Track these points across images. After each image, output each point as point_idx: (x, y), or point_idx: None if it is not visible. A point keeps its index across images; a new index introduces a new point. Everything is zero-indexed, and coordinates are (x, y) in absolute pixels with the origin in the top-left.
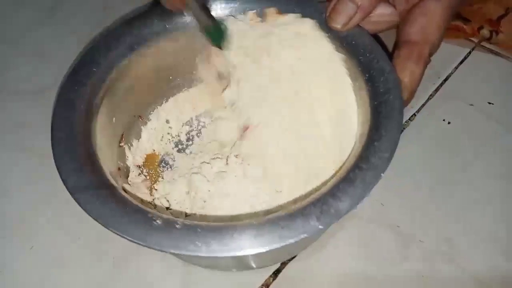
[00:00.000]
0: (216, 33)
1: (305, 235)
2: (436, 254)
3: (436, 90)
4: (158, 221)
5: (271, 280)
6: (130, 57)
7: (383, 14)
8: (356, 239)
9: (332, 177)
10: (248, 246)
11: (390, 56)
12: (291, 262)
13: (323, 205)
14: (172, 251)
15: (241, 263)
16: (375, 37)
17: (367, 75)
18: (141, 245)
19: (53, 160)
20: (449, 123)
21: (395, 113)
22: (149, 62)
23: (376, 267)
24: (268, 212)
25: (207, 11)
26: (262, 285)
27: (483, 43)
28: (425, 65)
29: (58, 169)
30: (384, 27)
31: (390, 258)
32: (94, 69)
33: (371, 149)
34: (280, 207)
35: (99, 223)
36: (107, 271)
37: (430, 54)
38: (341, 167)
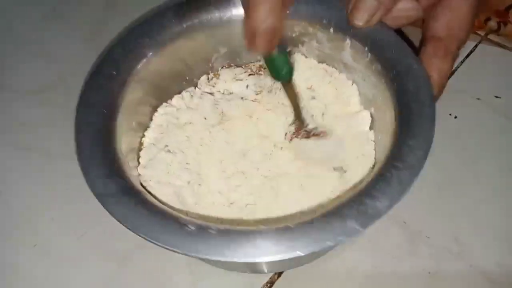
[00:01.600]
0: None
1: (344, 237)
2: (443, 251)
3: None
4: (191, 226)
5: (276, 278)
6: (148, 57)
7: (405, 9)
8: (364, 235)
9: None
10: (283, 250)
11: (417, 52)
12: None
13: (360, 205)
14: (209, 257)
15: (260, 267)
16: (401, 33)
17: (393, 72)
18: (176, 252)
19: (56, 159)
20: (455, 117)
21: (427, 110)
22: (167, 62)
23: (383, 263)
24: (303, 214)
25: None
26: (267, 282)
27: (490, 36)
28: (453, 60)
29: (84, 175)
30: (406, 22)
31: (397, 254)
32: (114, 72)
33: (405, 148)
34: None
35: (130, 230)
36: (111, 269)
37: (458, 48)
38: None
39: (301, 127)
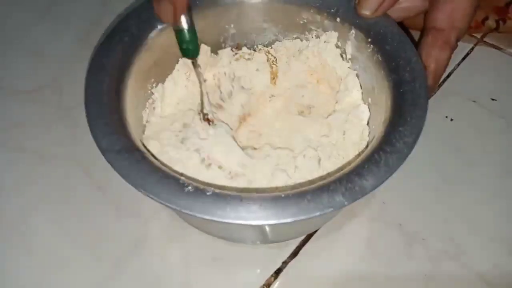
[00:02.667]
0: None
1: (331, 209)
2: (440, 253)
3: (439, 86)
4: (189, 187)
5: (272, 280)
6: (159, 28)
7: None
8: (359, 237)
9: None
10: (274, 216)
11: (416, 45)
12: (293, 261)
13: (348, 182)
14: (202, 216)
15: (265, 234)
16: (403, 27)
17: (393, 64)
18: (173, 208)
19: (49, 159)
20: (452, 120)
21: (421, 101)
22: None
23: (380, 266)
24: (294, 187)
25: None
26: (264, 285)
27: (487, 38)
28: (451, 52)
29: (91, 131)
30: (413, 14)
31: (394, 256)
32: (126, 38)
33: (395, 134)
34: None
35: (131, 184)
36: (107, 271)
37: (457, 39)
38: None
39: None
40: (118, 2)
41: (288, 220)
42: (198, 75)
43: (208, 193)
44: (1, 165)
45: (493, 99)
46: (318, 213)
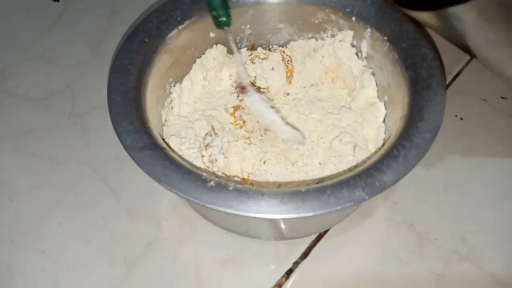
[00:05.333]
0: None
1: (352, 203)
2: (451, 253)
3: (448, 85)
4: (212, 183)
5: (283, 280)
6: (179, 29)
7: None
8: (370, 237)
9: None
10: (295, 210)
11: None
12: (305, 261)
13: (368, 177)
14: (225, 210)
15: (282, 230)
16: (417, 25)
17: (409, 61)
18: (196, 203)
19: (62, 164)
20: (461, 119)
21: (438, 97)
22: (195, 36)
23: (391, 265)
24: (317, 181)
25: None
26: (275, 285)
27: None
28: None
29: (115, 130)
30: None
31: (405, 256)
32: (146, 40)
33: (414, 130)
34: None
35: (157, 181)
36: (119, 273)
37: None
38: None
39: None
40: (127, 11)
41: (309, 214)
42: (232, 44)
43: (230, 188)
44: (16, 170)
45: (503, 98)
46: (339, 207)
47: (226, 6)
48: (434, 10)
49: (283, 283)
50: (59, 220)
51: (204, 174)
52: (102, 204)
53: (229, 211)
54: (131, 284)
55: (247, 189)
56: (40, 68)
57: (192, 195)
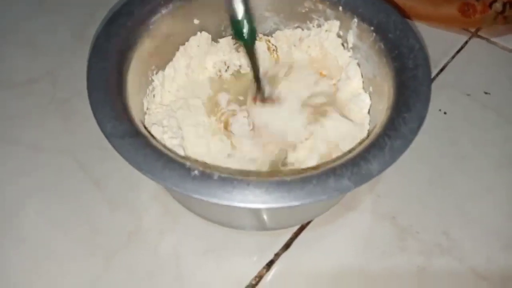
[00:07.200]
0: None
1: (338, 192)
2: (433, 246)
3: (432, 79)
4: (195, 171)
5: (264, 272)
6: (163, 13)
7: None
8: (352, 230)
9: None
10: (281, 199)
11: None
12: (286, 252)
13: (354, 167)
14: (209, 199)
15: (264, 221)
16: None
17: (396, 52)
18: (180, 192)
19: (43, 152)
20: (445, 113)
21: (423, 88)
22: (177, 22)
23: (373, 258)
24: (301, 171)
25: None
26: (256, 276)
27: (480, 33)
28: None
29: (95, 116)
30: None
31: (387, 249)
32: (129, 22)
33: (400, 120)
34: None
35: (138, 170)
36: (99, 264)
37: None
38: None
39: (258, 92)
40: None
41: (295, 203)
42: (254, 61)
43: (214, 178)
44: None
45: (486, 93)
46: (325, 197)
47: (253, 28)
48: None
49: (264, 274)
50: (39, 209)
51: (188, 163)
52: (83, 194)
53: (214, 200)
54: (111, 275)
55: (232, 178)
56: (22, 54)
57: (176, 184)
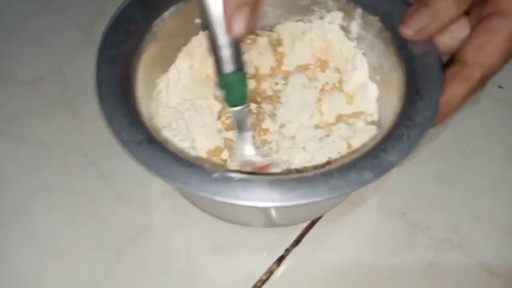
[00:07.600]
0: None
1: (361, 185)
2: (443, 242)
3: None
4: (215, 174)
5: (275, 267)
6: (164, 15)
7: (459, 30)
8: (362, 225)
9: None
10: (305, 196)
11: None
12: (296, 248)
13: (374, 158)
14: (233, 202)
15: (276, 218)
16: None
17: (403, 40)
18: (203, 196)
19: (52, 149)
20: None
21: (434, 75)
22: (179, 23)
23: (383, 254)
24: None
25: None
26: (266, 272)
27: None
28: (469, 89)
29: (109, 124)
30: (454, 45)
31: (397, 245)
32: (133, 27)
33: (414, 109)
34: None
35: (159, 176)
36: (109, 260)
37: (484, 78)
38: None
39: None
40: None
41: (319, 198)
42: (242, 124)
43: (235, 179)
44: (4, 155)
45: (500, 87)
46: (348, 190)
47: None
48: None
49: (275, 270)
50: (49, 205)
51: (207, 165)
52: (93, 190)
53: (237, 202)
54: (121, 270)
55: (253, 179)
56: (30, 52)
57: (199, 188)
